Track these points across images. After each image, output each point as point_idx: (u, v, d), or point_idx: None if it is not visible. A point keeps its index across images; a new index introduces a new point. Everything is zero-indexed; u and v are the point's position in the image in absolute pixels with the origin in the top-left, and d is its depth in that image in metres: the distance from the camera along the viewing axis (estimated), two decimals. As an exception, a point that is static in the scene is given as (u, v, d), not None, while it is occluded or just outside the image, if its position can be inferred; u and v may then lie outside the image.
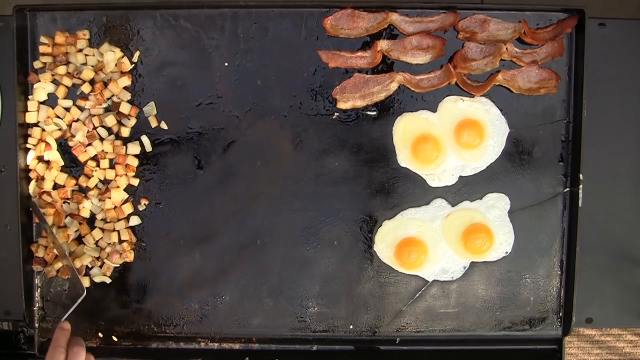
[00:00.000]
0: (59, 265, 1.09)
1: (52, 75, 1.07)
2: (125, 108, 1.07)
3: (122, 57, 1.07)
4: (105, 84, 1.07)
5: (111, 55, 1.06)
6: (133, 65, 1.08)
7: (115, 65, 1.06)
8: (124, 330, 1.11)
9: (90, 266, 1.10)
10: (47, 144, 1.07)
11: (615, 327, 1.65)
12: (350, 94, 1.07)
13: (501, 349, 1.11)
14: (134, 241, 1.09)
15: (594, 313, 1.12)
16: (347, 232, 1.10)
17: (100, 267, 1.10)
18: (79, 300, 1.05)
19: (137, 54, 1.07)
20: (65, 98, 1.08)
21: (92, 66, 1.07)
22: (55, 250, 1.08)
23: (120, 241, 1.09)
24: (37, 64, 1.07)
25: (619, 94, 1.10)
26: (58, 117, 1.08)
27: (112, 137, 1.08)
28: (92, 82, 1.07)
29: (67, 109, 1.08)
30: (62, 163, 1.09)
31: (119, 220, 1.09)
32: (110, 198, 1.08)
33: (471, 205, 1.09)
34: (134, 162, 1.08)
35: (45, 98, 1.08)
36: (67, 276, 1.09)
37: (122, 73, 1.07)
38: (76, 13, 1.08)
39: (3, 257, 1.11)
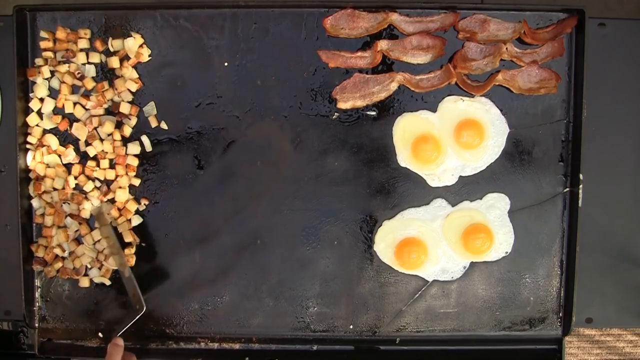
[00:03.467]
0: (59, 265, 1.09)
1: (52, 72, 1.07)
2: (125, 108, 1.07)
3: (142, 44, 1.07)
4: (110, 83, 1.07)
5: (132, 41, 1.05)
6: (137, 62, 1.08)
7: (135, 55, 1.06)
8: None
9: (89, 266, 1.10)
10: (49, 147, 1.07)
11: (615, 327, 1.65)
12: (350, 94, 1.07)
13: (501, 349, 1.11)
14: (137, 242, 1.09)
15: (594, 313, 1.12)
16: (347, 232, 1.10)
17: (100, 268, 1.10)
18: (137, 317, 1.04)
19: (147, 51, 1.07)
20: (66, 99, 1.08)
21: (116, 52, 1.07)
22: (113, 261, 1.07)
23: (122, 244, 1.09)
24: (38, 61, 1.07)
25: (619, 94, 1.10)
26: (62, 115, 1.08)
27: (112, 137, 1.08)
28: (95, 79, 1.08)
29: (67, 116, 1.08)
30: (62, 163, 1.09)
31: (121, 222, 1.09)
32: (111, 198, 1.08)
33: (471, 205, 1.09)
34: (135, 162, 1.08)
35: (47, 94, 1.08)
36: (67, 276, 1.09)
37: (131, 79, 1.07)
38: (76, 13, 1.08)
39: (3, 257, 1.11)
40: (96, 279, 1.10)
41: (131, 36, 1.06)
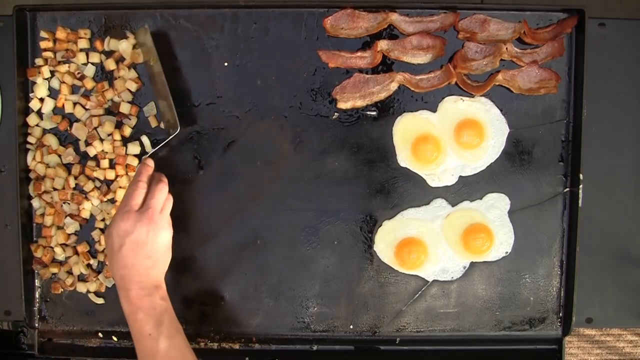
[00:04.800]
0: (55, 269, 1.09)
1: (52, 72, 1.07)
2: (125, 108, 1.07)
3: (135, 45, 1.07)
4: (110, 83, 1.07)
5: (125, 43, 1.06)
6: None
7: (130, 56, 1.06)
8: (124, 330, 1.11)
9: (85, 273, 1.10)
10: (49, 147, 1.07)
11: (615, 327, 1.65)
12: (350, 94, 1.07)
13: (501, 349, 1.11)
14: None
15: (594, 313, 1.12)
16: (347, 232, 1.10)
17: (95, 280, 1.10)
18: (172, 136, 1.03)
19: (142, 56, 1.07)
20: (66, 99, 1.08)
21: (112, 54, 1.07)
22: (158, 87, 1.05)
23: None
24: (38, 61, 1.07)
25: (619, 94, 1.10)
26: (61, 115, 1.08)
27: (112, 137, 1.08)
28: (95, 79, 1.08)
29: (67, 116, 1.08)
30: (62, 163, 1.09)
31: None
32: (110, 198, 1.08)
33: (471, 205, 1.10)
34: (134, 162, 1.08)
35: (47, 94, 1.08)
36: (59, 290, 1.09)
37: (131, 79, 1.07)
38: (76, 13, 1.08)
39: (3, 257, 1.11)
40: (90, 295, 1.10)
41: (127, 37, 1.06)
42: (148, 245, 0.93)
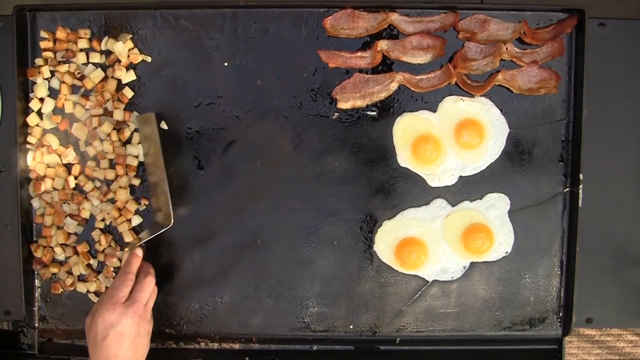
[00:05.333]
0: (55, 269, 1.09)
1: (52, 72, 1.07)
2: (119, 115, 1.07)
3: (133, 47, 1.07)
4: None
5: (120, 45, 1.06)
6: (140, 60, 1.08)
7: (128, 56, 1.06)
8: (124, 330, 1.11)
9: (85, 273, 1.10)
10: (49, 147, 1.07)
11: (616, 327, 1.65)
12: (350, 94, 1.07)
13: (501, 349, 1.11)
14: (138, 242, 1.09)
15: (594, 313, 1.12)
16: (347, 232, 1.10)
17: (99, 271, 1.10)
18: (163, 230, 1.03)
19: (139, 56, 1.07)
20: (66, 99, 1.08)
21: (106, 59, 1.07)
22: (155, 176, 1.05)
23: (122, 244, 1.09)
24: (38, 61, 1.07)
25: (619, 94, 1.10)
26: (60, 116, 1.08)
27: (110, 137, 1.08)
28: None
29: (67, 116, 1.08)
30: (62, 163, 1.09)
31: (121, 222, 1.09)
32: (110, 198, 1.08)
33: (471, 205, 1.09)
34: (134, 162, 1.08)
35: (47, 94, 1.08)
36: (59, 290, 1.09)
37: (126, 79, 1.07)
38: (76, 13, 1.08)
39: (3, 257, 1.11)
40: (90, 295, 1.10)
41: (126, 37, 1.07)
42: (132, 338, 0.94)
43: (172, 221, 1.02)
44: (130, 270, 0.99)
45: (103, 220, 1.09)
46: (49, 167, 1.08)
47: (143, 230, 1.09)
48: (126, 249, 1.07)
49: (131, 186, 1.09)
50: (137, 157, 1.08)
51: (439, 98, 1.08)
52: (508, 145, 1.08)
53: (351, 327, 1.11)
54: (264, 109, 1.08)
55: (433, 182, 1.09)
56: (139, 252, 1.02)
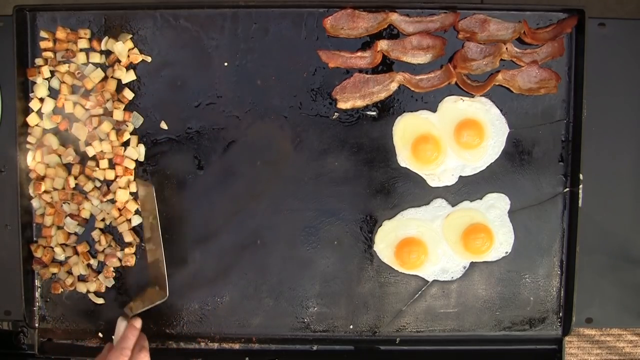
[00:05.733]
0: (55, 269, 1.09)
1: (52, 72, 1.07)
2: (118, 115, 1.07)
3: (133, 47, 1.07)
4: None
5: (120, 45, 1.06)
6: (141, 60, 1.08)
7: (128, 56, 1.06)
8: (124, 330, 1.11)
9: (84, 274, 1.10)
10: (49, 147, 1.07)
11: (615, 327, 1.65)
12: (350, 94, 1.07)
13: (501, 349, 1.11)
14: (138, 242, 1.09)
15: (594, 313, 1.12)
16: (347, 232, 1.10)
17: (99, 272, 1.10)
18: (158, 303, 1.03)
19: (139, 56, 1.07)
20: (66, 99, 1.08)
21: (106, 59, 1.07)
22: (151, 246, 1.06)
23: (122, 244, 1.09)
24: (38, 61, 1.07)
25: (619, 94, 1.10)
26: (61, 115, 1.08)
27: (109, 137, 1.08)
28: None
29: (67, 116, 1.08)
30: (62, 163, 1.09)
31: (121, 222, 1.09)
32: (110, 198, 1.08)
33: (471, 205, 1.09)
34: (132, 166, 1.08)
35: (47, 94, 1.08)
36: (59, 290, 1.09)
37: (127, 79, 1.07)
38: (76, 13, 1.08)
39: (3, 257, 1.11)
40: (90, 295, 1.10)
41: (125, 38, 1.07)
42: None
43: (167, 295, 1.03)
44: (127, 346, 0.97)
45: (103, 220, 1.09)
46: (49, 167, 1.08)
47: (135, 300, 1.08)
48: (124, 314, 1.05)
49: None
50: (135, 160, 1.08)
51: (439, 98, 1.08)
52: (508, 145, 1.08)
53: (351, 327, 1.11)
54: (264, 109, 1.08)
55: (433, 182, 1.09)
56: (138, 324, 1.02)
